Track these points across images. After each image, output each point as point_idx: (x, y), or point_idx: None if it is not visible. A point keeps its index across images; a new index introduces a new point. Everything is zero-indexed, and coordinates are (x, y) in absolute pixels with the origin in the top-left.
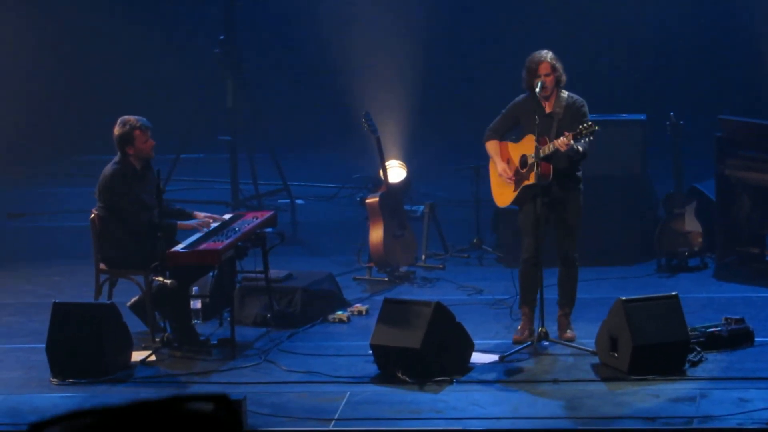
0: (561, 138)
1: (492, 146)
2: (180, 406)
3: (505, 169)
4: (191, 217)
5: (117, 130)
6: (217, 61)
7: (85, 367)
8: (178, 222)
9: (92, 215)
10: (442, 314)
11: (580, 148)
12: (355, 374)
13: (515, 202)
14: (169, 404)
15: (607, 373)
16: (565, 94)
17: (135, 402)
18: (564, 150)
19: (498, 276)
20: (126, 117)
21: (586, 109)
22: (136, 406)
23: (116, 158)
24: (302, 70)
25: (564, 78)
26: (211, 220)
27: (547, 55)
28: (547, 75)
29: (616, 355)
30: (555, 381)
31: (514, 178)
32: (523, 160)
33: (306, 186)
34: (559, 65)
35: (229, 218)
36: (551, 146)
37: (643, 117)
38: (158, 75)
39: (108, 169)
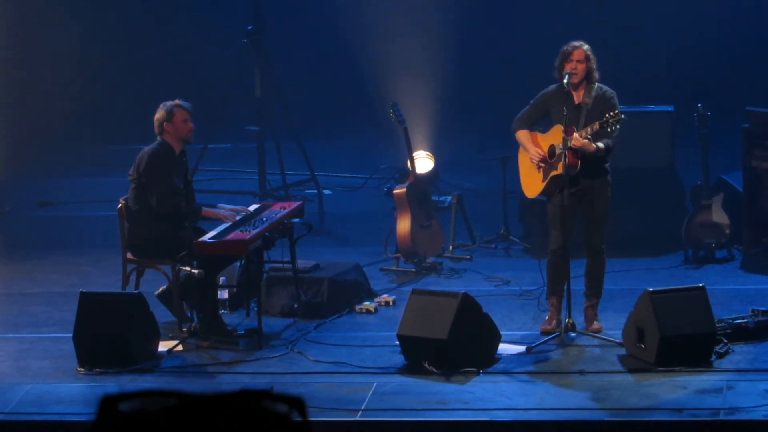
0: (576, 134)
1: (523, 135)
2: (258, 402)
3: (537, 152)
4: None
5: (158, 113)
6: (245, 51)
7: (112, 356)
8: (203, 208)
9: (120, 204)
10: (469, 305)
11: (601, 145)
12: (382, 365)
13: (543, 192)
14: (248, 399)
15: (633, 364)
16: (595, 85)
17: (217, 392)
18: (578, 146)
19: (525, 267)
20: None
21: (615, 100)
22: (218, 396)
23: (157, 140)
24: (330, 60)
25: (597, 74)
26: (236, 216)
27: (584, 45)
28: (579, 62)
29: (643, 346)
30: (582, 372)
31: (546, 160)
32: (551, 150)
33: (333, 176)
34: (593, 57)
35: (257, 208)
36: (581, 133)
37: (670, 108)
38: (186, 65)
39: (147, 148)
